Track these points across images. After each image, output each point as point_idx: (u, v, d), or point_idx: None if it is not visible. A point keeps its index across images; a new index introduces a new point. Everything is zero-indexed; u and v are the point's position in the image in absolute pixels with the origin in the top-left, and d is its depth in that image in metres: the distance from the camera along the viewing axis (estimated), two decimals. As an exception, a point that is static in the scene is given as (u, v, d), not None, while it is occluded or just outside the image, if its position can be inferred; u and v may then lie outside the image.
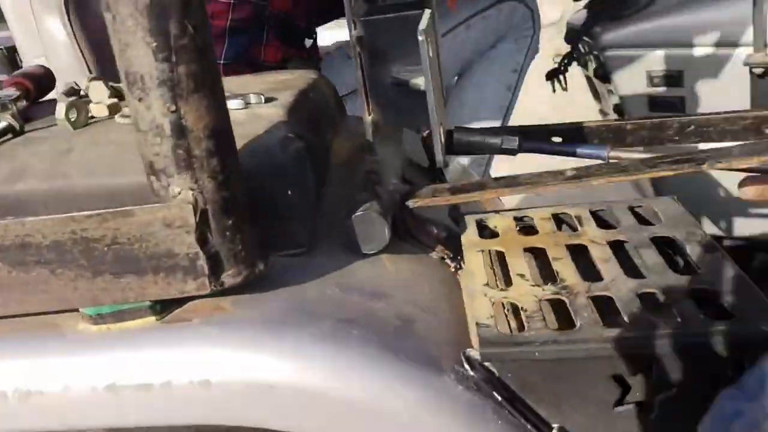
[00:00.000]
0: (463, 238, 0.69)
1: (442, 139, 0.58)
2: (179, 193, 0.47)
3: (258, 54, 1.29)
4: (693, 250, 0.62)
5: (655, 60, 1.45)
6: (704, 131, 0.77)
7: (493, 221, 0.72)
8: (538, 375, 0.53)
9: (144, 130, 0.46)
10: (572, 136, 0.76)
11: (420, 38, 0.55)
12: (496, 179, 0.66)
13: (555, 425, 0.53)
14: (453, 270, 0.66)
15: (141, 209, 0.48)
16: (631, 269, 0.60)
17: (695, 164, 0.61)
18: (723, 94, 1.39)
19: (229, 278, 0.50)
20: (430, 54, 0.57)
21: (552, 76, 1.78)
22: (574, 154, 0.74)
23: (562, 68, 1.78)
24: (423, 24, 0.58)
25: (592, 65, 1.58)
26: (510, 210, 0.75)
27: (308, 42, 1.40)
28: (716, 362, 0.52)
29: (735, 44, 1.34)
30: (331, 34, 1.61)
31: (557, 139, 0.75)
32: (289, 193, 0.58)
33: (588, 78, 1.77)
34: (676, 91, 1.46)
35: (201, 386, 0.48)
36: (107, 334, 0.51)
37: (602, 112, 1.85)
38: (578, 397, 0.53)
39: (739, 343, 0.51)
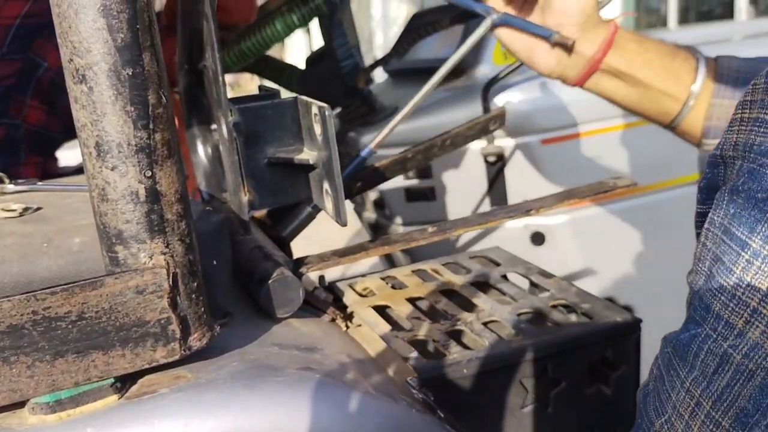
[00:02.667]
0: (347, 300, 0.76)
1: (344, 201, 0.66)
2: (151, 259, 0.48)
3: (17, 175, 1.22)
4: (536, 279, 0.77)
5: (407, 157, 1.68)
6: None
7: (363, 284, 0.80)
8: (462, 392, 0.61)
9: (114, 199, 0.47)
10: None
11: (327, 113, 0.64)
12: (371, 241, 0.75)
13: (479, 435, 0.62)
14: (345, 328, 0.72)
15: (111, 278, 0.47)
16: (499, 299, 0.73)
17: (524, 212, 0.77)
18: (464, 180, 1.67)
19: (195, 341, 0.51)
20: (329, 130, 0.65)
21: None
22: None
23: (320, 172, 1.94)
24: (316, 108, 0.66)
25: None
26: (372, 274, 0.83)
27: None
28: (589, 355, 0.65)
29: (470, 139, 1.63)
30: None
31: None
32: (214, 263, 0.60)
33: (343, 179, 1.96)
34: (427, 183, 1.70)
35: (189, 451, 0.47)
36: (70, 420, 0.47)
37: (357, 209, 2.05)
38: (495, 405, 0.63)
39: (602, 336, 0.65)
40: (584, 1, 0.77)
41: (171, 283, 0.49)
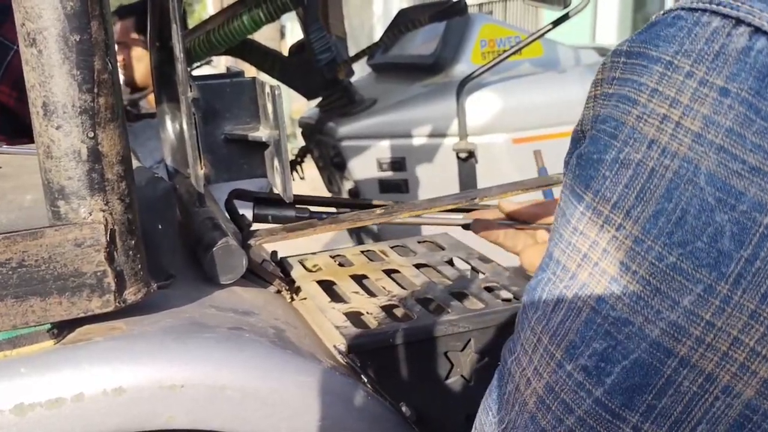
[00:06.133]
0: (294, 274, 0.79)
1: (290, 177, 0.70)
2: (90, 215, 0.51)
3: None
4: (475, 264, 0.80)
5: (383, 149, 1.72)
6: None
7: (313, 261, 0.84)
8: (389, 361, 0.65)
9: (58, 157, 0.50)
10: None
11: (278, 93, 0.67)
12: (321, 219, 0.78)
13: (402, 403, 0.65)
14: (289, 300, 0.76)
15: (51, 230, 0.50)
16: (437, 280, 0.76)
17: (469, 199, 0.81)
18: (437, 175, 1.71)
19: (130, 295, 0.54)
20: (279, 109, 0.68)
21: (291, 167, 1.97)
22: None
23: (299, 160, 1.98)
24: (268, 87, 0.70)
25: (328, 155, 1.81)
26: (323, 251, 0.87)
27: None
28: (512, 333, 0.69)
29: (444, 134, 1.67)
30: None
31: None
32: (159, 227, 0.63)
33: (319, 168, 2.00)
34: (401, 175, 1.74)
35: (114, 393, 0.51)
36: (6, 360, 0.50)
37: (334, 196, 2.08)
38: (420, 374, 0.66)
39: (527, 316, 0.69)
40: None
41: (108, 238, 0.52)
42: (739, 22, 0.31)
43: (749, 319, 0.30)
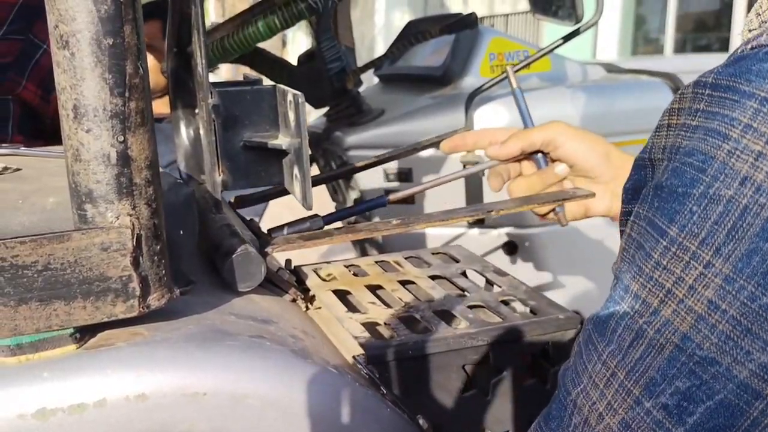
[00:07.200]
0: (309, 283, 0.79)
1: (310, 186, 0.70)
2: (117, 219, 0.51)
3: None
4: (491, 277, 0.80)
5: (390, 160, 1.72)
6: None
7: (327, 270, 0.83)
8: (407, 372, 0.65)
9: (86, 160, 0.50)
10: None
11: (300, 101, 0.67)
12: (338, 228, 0.78)
13: (419, 415, 0.65)
14: (305, 309, 0.76)
15: (78, 233, 0.50)
16: (453, 292, 0.76)
17: (485, 212, 0.81)
18: (443, 186, 1.70)
19: (154, 301, 0.54)
20: (301, 117, 0.68)
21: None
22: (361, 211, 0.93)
23: (305, 168, 1.97)
24: (290, 95, 0.70)
25: (334, 165, 1.80)
26: (337, 261, 0.87)
27: None
28: (530, 347, 0.69)
29: (452, 147, 1.67)
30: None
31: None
32: (181, 233, 0.63)
33: (325, 178, 1.99)
34: (408, 186, 1.74)
35: (137, 399, 0.50)
36: (29, 364, 0.50)
37: (338, 208, 2.07)
38: (438, 387, 0.66)
39: (543, 330, 0.69)
40: (591, 151, 0.79)
41: (135, 243, 0.52)
42: None
43: None
